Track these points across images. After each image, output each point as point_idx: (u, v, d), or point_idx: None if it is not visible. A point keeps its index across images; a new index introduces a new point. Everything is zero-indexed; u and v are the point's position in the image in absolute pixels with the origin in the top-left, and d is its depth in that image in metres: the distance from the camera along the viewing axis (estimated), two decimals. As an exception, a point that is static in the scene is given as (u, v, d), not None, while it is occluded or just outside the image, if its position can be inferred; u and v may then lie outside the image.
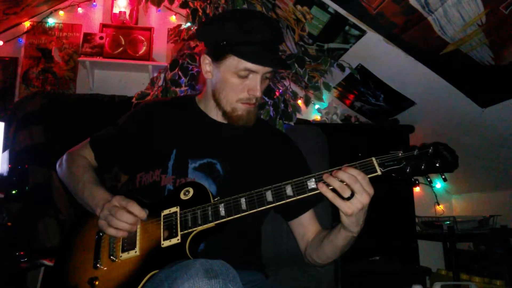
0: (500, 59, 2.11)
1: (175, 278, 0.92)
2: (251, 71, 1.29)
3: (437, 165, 1.07)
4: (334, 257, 1.28)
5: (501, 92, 2.32)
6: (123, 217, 1.18)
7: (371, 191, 1.06)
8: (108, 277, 1.18)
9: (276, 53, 1.37)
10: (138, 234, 1.22)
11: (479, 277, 2.73)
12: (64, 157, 1.51)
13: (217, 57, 1.32)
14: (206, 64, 1.38)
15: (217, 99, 1.37)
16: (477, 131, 2.70)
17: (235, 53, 1.27)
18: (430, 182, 1.15)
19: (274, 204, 1.14)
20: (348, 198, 1.05)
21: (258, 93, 1.31)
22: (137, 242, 1.20)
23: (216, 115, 1.42)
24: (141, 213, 1.20)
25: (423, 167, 1.08)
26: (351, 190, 1.05)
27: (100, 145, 1.49)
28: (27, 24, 3.55)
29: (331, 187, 1.07)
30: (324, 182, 1.08)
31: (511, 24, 1.90)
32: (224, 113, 1.37)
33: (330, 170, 1.11)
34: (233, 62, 1.29)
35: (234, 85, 1.32)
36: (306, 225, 1.39)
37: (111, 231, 1.19)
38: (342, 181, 1.06)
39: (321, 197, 1.11)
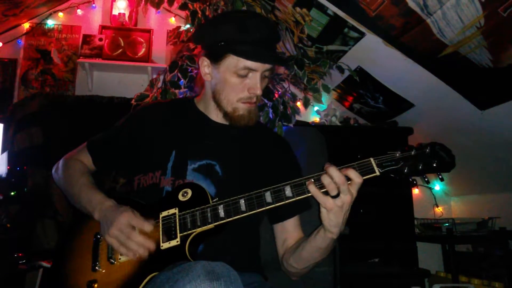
0: (498, 62, 2.12)
1: (177, 280, 0.92)
2: (250, 69, 1.30)
3: (434, 165, 1.08)
4: (311, 261, 1.26)
5: (500, 94, 2.32)
6: (137, 239, 1.16)
7: (355, 193, 1.08)
8: (107, 280, 1.18)
9: (274, 51, 1.38)
10: None
11: (478, 279, 2.73)
12: (60, 162, 1.50)
13: (216, 58, 1.32)
14: (205, 66, 1.38)
15: (218, 100, 1.37)
16: (476, 133, 2.70)
17: (234, 52, 1.28)
18: (428, 182, 1.15)
19: (273, 205, 1.13)
20: (334, 197, 1.06)
21: (259, 91, 1.31)
22: (136, 244, 1.20)
23: (216, 117, 1.42)
24: (149, 227, 1.18)
25: (420, 167, 1.08)
26: (338, 190, 1.06)
27: (98, 149, 1.49)
28: (26, 25, 3.55)
29: (319, 184, 1.08)
30: (312, 180, 1.10)
31: (509, 27, 1.90)
32: (225, 114, 1.37)
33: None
34: (233, 62, 1.29)
35: (234, 84, 1.32)
36: (289, 231, 1.38)
37: (122, 251, 1.18)
38: (332, 179, 1.06)
39: (310, 204, 1.11)
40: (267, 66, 1.31)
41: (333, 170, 1.07)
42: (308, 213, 1.38)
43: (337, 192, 1.06)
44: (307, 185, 1.10)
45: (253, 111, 1.37)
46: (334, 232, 1.12)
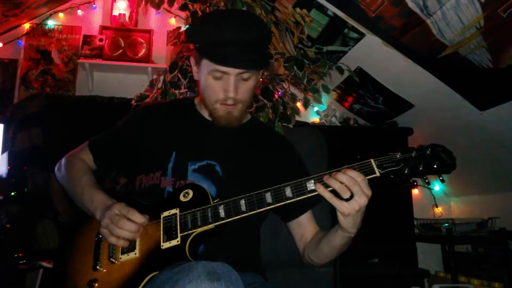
0: (498, 62, 2.12)
1: (177, 280, 0.92)
2: (223, 72, 1.28)
3: (435, 166, 1.08)
4: (332, 257, 1.29)
5: (500, 95, 2.33)
6: (125, 226, 1.17)
7: (369, 192, 1.07)
8: (107, 279, 1.18)
9: (254, 53, 1.27)
10: None
11: (477, 280, 2.73)
12: (63, 160, 1.50)
13: (197, 59, 1.34)
14: (193, 65, 1.40)
15: (203, 100, 1.39)
16: (475, 133, 2.71)
17: (204, 55, 1.28)
18: (428, 183, 1.15)
19: (273, 206, 1.14)
20: (347, 199, 1.06)
21: (231, 94, 1.29)
22: (137, 244, 1.20)
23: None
24: (142, 219, 1.19)
25: (421, 168, 1.08)
26: (350, 192, 1.06)
27: (99, 148, 1.48)
28: (26, 26, 3.55)
29: (330, 188, 1.08)
30: (323, 183, 1.09)
31: (509, 27, 1.91)
32: (210, 114, 1.39)
33: (330, 171, 1.11)
34: (207, 64, 1.29)
35: (211, 86, 1.32)
36: (304, 226, 1.39)
37: (112, 240, 1.19)
38: (341, 183, 1.06)
39: (319, 198, 1.11)
40: (240, 70, 1.27)
41: (339, 174, 1.07)
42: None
43: (350, 194, 1.06)
44: (316, 188, 1.09)
45: (233, 113, 1.34)
46: (352, 232, 1.14)
